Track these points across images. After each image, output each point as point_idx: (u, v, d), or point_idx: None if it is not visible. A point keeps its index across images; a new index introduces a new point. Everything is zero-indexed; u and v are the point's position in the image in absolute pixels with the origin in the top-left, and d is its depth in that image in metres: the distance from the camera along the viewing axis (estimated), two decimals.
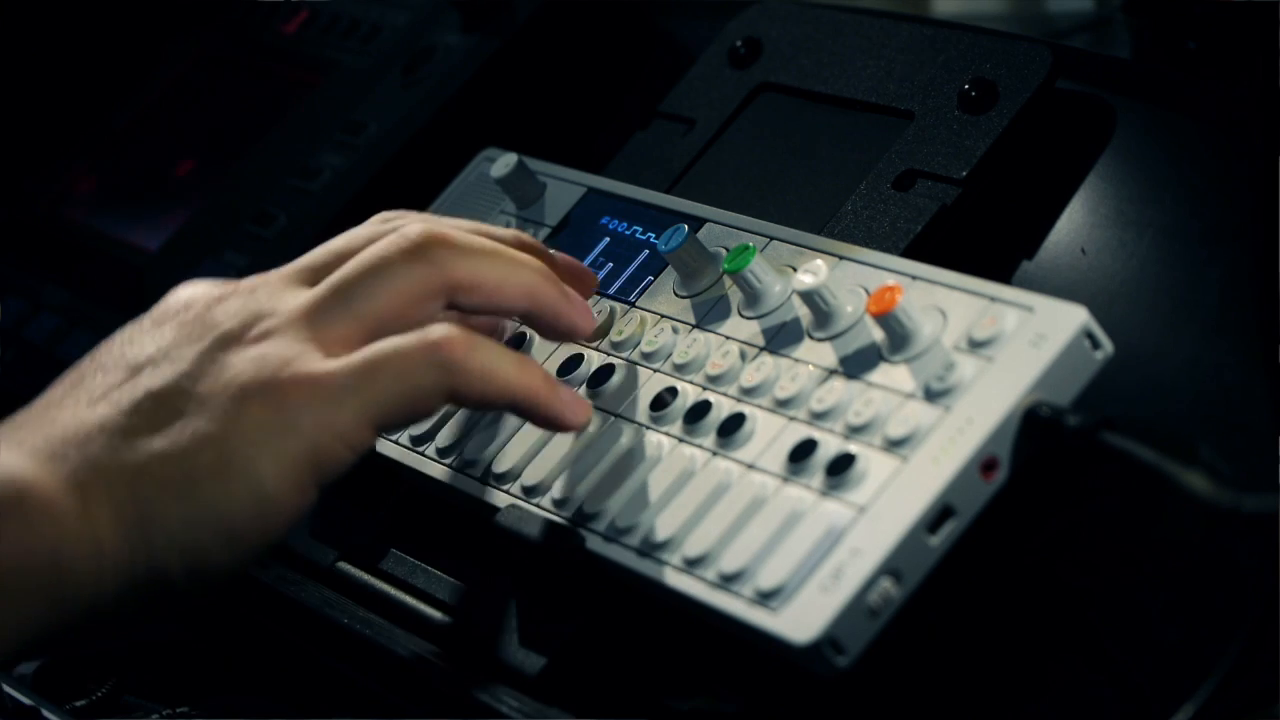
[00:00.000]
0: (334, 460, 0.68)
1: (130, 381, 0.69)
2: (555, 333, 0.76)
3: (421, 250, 0.71)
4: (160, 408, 0.68)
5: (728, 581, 0.67)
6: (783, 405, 0.71)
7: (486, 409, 0.78)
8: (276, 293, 0.72)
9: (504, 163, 0.88)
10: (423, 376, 0.69)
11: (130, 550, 0.66)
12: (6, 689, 0.80)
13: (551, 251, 0.78)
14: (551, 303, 0.74)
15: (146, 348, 0.71)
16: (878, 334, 0.70)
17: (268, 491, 0.67)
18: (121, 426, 0.68)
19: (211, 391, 0.68)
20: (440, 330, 0.69)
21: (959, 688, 0.68)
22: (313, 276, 0.73)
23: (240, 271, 1.00)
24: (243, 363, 0.69)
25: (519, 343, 0.81)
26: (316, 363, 0.68)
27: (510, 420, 0.78)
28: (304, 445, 0.67)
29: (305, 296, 0.71)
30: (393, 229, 0.73)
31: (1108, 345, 0.67)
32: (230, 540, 0.67)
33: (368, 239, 0.73)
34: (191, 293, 0.73)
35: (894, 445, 0.67)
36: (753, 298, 0.75)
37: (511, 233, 0.77)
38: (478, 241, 0.73)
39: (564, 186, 0.88)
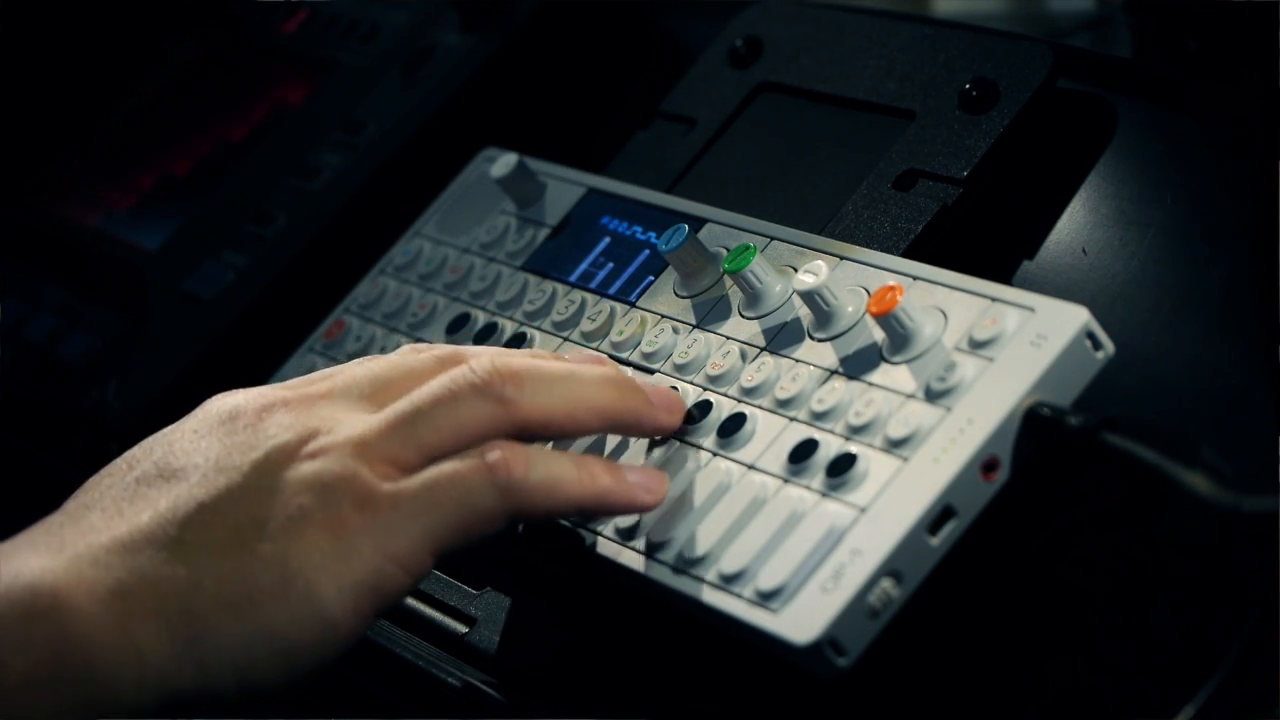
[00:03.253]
0: (394, 586, 0.67)
1: (175, 491, 0.67)
2: (643, 436, 0.74)
3: (491, 387, 0.69)
4: (214, 522, 0.66)
5: (728, 582, 0.67)
6: (783, 405, 0.71)
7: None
8: (336, 409, 0.70)
9: (504, 163, 0.88)
10: (482, 500, 0.67)
11: (178, 665, 0.65)
12: None
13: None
14: (631, 416, 0.72)
15: (193, 457, 0.69)
16: (878, 334, 0.70)
17: (328, 615, 0.66)
18: (172, 539, 0.66)
19: (269, 510, 0.66)
20: (497, 451, 0.68)
21: (959, 688, 0.68)
22: (358, 392, 0.70)
23: (239, 271, 1.00)
24: (300, 481, 0.67)
25: (519, 342, 0.81)
26: (374, 485, 0.67)
27: None
28: (365, 571, 0.66)
29: (371, 420, 0.69)
30: (456, 362, 0.71)
31: (1109, 345, 0.67)
32: (287, 660, 0.66)
33: (425, 370, 0.71)
34: (236, 402, 0.71)
35: (895, 446, 0.67)
36: (753, 298, 0.75)
37: (582, 356, 0.75)
38: (545, 368, 0.71)
39: (564, 186, 0.88)
